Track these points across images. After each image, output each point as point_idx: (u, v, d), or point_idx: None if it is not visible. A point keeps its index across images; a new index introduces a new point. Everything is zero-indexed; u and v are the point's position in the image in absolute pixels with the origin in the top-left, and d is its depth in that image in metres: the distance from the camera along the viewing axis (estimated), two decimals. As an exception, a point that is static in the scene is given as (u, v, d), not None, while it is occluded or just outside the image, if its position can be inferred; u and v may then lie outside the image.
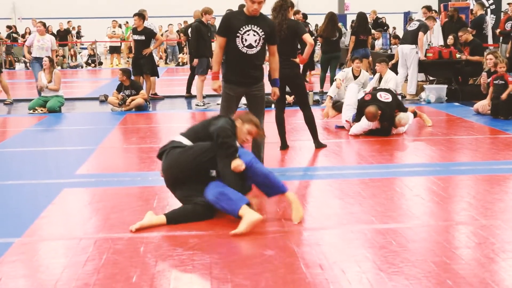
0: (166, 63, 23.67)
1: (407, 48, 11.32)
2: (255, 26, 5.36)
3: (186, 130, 4.71)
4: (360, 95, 9.57)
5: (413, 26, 11.62)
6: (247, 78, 5.50)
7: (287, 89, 7.05)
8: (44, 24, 12.06)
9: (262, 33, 5.38)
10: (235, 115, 4.86)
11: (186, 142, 4.54)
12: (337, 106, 8.42)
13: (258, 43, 5.39)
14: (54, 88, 10.57)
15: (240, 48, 5.37)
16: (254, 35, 5.36)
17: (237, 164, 4.27)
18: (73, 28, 25.12)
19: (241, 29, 5.34)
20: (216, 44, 5.51)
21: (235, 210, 4.13)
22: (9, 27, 24.30)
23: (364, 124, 7.59)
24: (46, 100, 10.58)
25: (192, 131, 4.66)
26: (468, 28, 12.24)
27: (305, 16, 14.22)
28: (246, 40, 5.34)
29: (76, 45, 24.01)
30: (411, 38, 11.38)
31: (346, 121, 7.90)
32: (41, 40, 11.69)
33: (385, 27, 19.68)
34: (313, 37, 12.30)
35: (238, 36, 5.35)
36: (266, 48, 5.59)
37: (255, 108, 5.62)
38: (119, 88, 10.58)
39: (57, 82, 10.60)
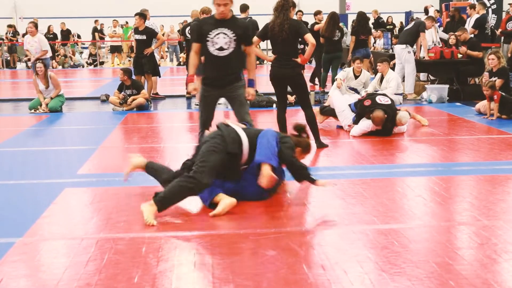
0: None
1: (398, 48, 11.35)
2: (225, 29, 5.50)
3: (248, 130, 4.90)
4: (362, 94, 9.58)
5: (409, 25, 11.63)
6: (220, 80, 5.65)
7: (289, 88, 7.04)
8: (35, 25, 11.64)
9: (233, 34, 5.50)
10: (295, 139, 5.01)
11: (244, 138, 4.72)
12: (326, 111, 8.36)
13: (230, 45, 5.51)
14: (56, 93, 10.48)
15: (211, 52, 5.53)
16: (224, 37, 5.49)
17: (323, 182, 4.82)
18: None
19: (211, 33, 5.50)
20: (192, 50, 5.69)
21: (208, 200, 4.55)
22: (10, 26, 24.29)
23: (363, 126, 7.57)
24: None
25: (253, 138, 4.78)
26: (466, 27, 12.23)
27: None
28: (216, 43, 5.50)
29: (98, 44, 23.94)
30: (404, 37, 11.39)
31: (349, 125, 7.86)
32: (31, 42, 11.38)
33: (391, 27, 19.66)
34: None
35: (209, 40, 5.51)
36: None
37: (238, 108, 5.71)
38: (120, 88, 10.57)
39: (55, 84, 10.45)
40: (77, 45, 24.94)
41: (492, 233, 3.98)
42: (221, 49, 5.49)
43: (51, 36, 22.59)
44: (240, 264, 3.53)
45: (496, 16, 16.80)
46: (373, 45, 17.17)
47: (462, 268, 3.42)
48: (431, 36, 12.46)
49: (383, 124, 7.49)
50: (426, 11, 15.36)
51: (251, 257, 3.65)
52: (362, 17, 12.60)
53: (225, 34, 5.48)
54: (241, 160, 4.73)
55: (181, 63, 21.96)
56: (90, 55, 23.10)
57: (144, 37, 11.57)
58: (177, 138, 7.87)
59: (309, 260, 3.58)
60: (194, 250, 3.79)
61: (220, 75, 5.61)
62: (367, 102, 7.68)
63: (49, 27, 22.94)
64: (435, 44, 12.17)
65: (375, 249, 3.73)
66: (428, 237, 3.98)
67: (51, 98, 10.40)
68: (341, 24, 12.56)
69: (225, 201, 4.47)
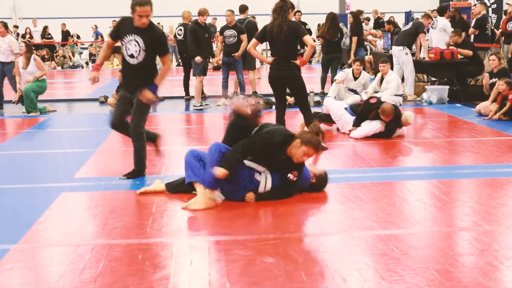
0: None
1: (395, 50, 11.30)
2: (138, 37, 5.38)
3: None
4: (363, 96, 9.53)
5: (407, 26, 11.56)
6: (129, 86, 5.57)
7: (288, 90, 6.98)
8: (4, 25, 11.09)
9: (143, 45, 5.38)
10: (298, 133, 5.02)
11: None
12: (318, 117, 8.25)
13: (139, 54, 5.41)
14: (41, 75, 10.35)
15: (125, 56, 5.48)
16: (135, 45, 5.40)
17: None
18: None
19: (125, 37, 5.41)
20: (106, 42, 5.72)
21: (190, 179, 4.80)
22: (16, 27, 24.16)
23: (367, 129, 7.51)
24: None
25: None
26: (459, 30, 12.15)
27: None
28: (129, 49, 5.42)
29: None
30: (401, 39, 11.33)
31: (350, 131, 7.78)
32: (0, 43, 10.97)
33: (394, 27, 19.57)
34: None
35: (123, 44, 5.44)
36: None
37: (133, 112, 5.55)
38: (119, 89, 10.50)
39: (40, 67, 10.39)
40: (76, 45, 24.87)
41: (494, 239, 3.93)
42: (132, 56, 5.41)
43: (49, 36, 22.53)
44: (237, 272, 3.47)
45: (496, 16, 16.75)
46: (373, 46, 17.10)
47: (463, 275, 3.36)
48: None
49: (386, 123, 7.44)
50: (440, 11, 14.91)
51: (248, 264, 3.59)
52: (358, 17, 12.49)
53: (137, 42, 5.38)
54: None
55: (180, 64, 21.88)
56: (91, 55, 23.03)
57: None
58: (175, 140, 7.81)
59: (308, 267, 3.52)
60: (190, 257, 3.74)
61: (129, 80, 5.55)
62: (373, 100, 7.66)
63: (45, 28, 22.87)
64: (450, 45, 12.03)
65: (375, 255, 3.68)
66: (429, 243, 3.93)
67: (35, 77, 10.29)
68: (340, 25, 12.48)
69: (200, 199, 4.69)
